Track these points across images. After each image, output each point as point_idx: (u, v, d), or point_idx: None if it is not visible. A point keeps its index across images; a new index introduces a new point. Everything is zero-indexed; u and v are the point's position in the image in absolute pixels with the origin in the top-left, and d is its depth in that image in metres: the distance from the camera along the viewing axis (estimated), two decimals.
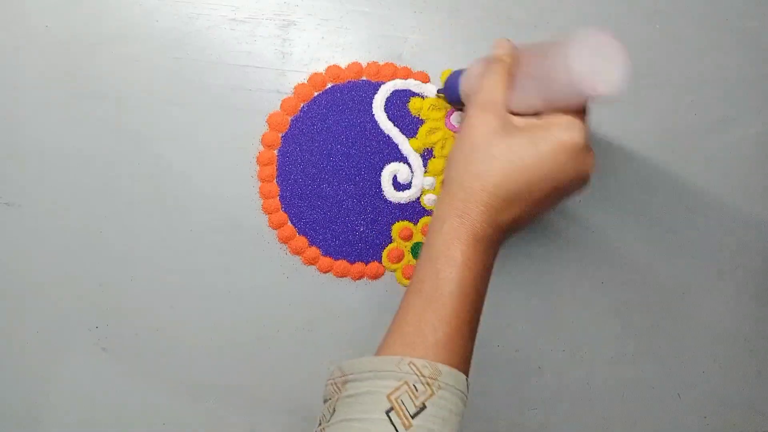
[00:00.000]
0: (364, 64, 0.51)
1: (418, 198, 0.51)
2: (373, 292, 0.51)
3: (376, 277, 0.51)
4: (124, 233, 0.50)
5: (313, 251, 0.50)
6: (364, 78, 0.51)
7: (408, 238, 0.51)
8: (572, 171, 0.36)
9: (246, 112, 0.50)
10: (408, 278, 0.51)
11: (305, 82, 0.51)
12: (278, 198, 0.50)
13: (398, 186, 0.51)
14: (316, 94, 0.51)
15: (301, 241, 0.50)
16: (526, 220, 0.38)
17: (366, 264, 0.51)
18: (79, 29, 0.50)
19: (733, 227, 0.55)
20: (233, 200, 0.50)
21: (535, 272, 0.53)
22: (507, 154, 0.36)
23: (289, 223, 0.50)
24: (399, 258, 0.51)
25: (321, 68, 0.51)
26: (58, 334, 0.49)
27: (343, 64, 0.51)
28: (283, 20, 0.51)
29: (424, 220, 0.51)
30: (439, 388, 0.33)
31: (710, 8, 0.55)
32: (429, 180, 0.51)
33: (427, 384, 0.33)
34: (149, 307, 0.50)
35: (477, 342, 0.52)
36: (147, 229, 0.50)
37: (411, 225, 0.51)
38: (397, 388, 0.33)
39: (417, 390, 0.33)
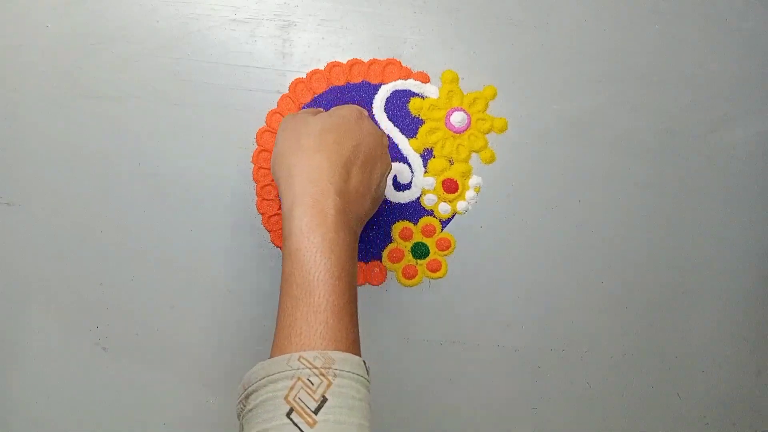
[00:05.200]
0: (365, 60, 0.51)
1: (418, 198, 0.51)
2: (374, 293, 0.51)
3: (378, 283, 0.51)
4: (124, 233, 0.50)
5: None
6: (363, 80, 0.51)
7: (408, 238, 0.51)
8: (364, 130, 0.41)
9: (246, 112, 0.50)
10: (408, 278, 0.51)
11: (304, 77, 0.51)
12: (278, 198, 0.50)
13: (398, 186, 0.51)
14: (316, 95, 0.51)
15: None
16: (364, 187, 0.40)
17: (366, 263, 0.51)
18: (79, 29, 0.50)
19: (733, 227, 0.55)
20: (233, 200, 0.50)
21: (535, 272, 0.53)
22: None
23: None
24: (399, 258, 0.51)
25: (321, 68, 0.51)
26: (58, 334, 0.49)
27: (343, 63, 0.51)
28: (284, 21, 0.51)
29: (424, 220, 0.51)
30: (335, 376, 0.32)
31: (710, 8, 0.55)
32: (429, 180, 0.51)
33: (322, 375, 0.32)
34: (149, 307, 0.50)
35: (477, 342, 0.52)
36: (147, 229, 0.50)
37: (411, 225, 0.51)
38: (292, 387, 0.31)
39: (312, 384, 0.31)
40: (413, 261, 0.52)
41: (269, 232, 0.50)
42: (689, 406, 0.54)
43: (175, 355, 0.50)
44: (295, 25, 0.51)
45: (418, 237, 0.52)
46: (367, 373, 0.35)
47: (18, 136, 0.49)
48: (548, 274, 0.53)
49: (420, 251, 0.51)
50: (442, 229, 0.52)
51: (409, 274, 0.51)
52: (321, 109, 0.45)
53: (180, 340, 0.50)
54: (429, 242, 0.51)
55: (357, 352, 0.36)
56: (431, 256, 0.52)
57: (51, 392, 0.49)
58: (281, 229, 0.50)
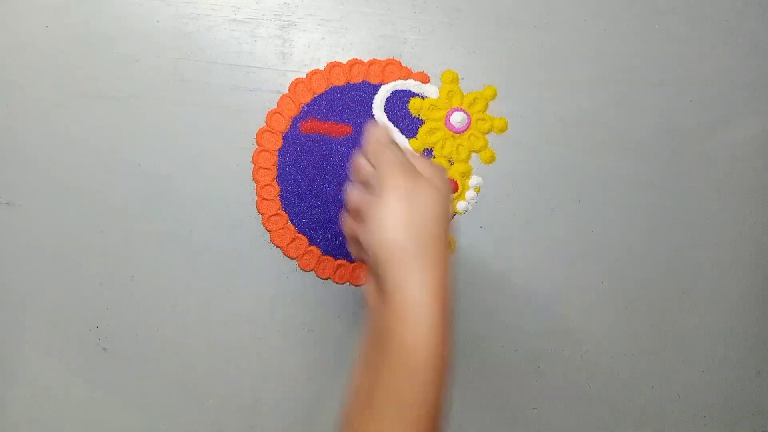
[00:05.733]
0: (365, 60, 0.51)
1: None
2: None
3: None
4: (124, 233, 0.50)
5: (314, 250, 0.50)
6: (363, 80, 0.51)
7: None
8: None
9: (246, 112, 0.50)
10: None
11: (304, 77, 0.51)
12: (278, 198, 0.50)
13: None
14: (316, 95, 0.51)
15: (302, 240, 0.50)
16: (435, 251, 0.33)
17: (366, 264, 0.51)
18: (79, 29, 0.50)
19: (733, 227, 0.55)
20: (234, 200, 0.50)
21: (535, 272, 0.53)
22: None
23: (289, 222, 0.50)
24: None
25: (321, 68, 0.51)
26: (58, 334, 0.49)
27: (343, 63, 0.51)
28: (284, 21, 0.51)
29: None
30: None
31: (710, 8, 0.55)
32: None
33: None
34: (149, 307, 0.50)
35: (477, 342, 0.52)
36: (147, 229, 0.50)
37: None
38: None
39: None
40: None
41: (269, 232, 0.50)
42: (689, 406, 0.54)
43: (175, 355, 0.50)
44: (295, 25, 0.51)
45: None
46: None
47: (18, 136, 0.49)
48: (548, 274, 0.53)
49: None
50: None
51: None
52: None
53: (180, 340, 0.50)
54: None
55: None
56: None
57: (51, 392, 0.49)
58: (281, 228, 0.50)
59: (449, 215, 0.35)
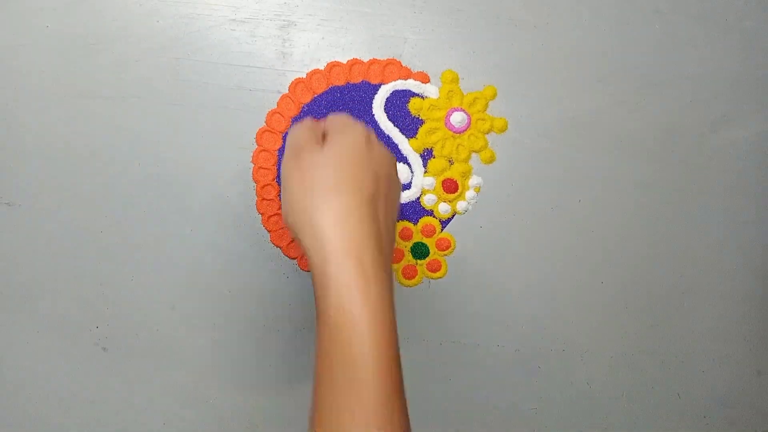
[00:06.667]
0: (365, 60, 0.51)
1: (418, 198, 0.51)
2: None
3: None
4: (124, 233, 0.50)
5: None
6: (363, 80, 0.51)
7: (408, 238, 0.51)
8: (377, 156, 0.36)
9: (246, 112, 0.50)
10: (408, 278, 0.51)
11: (304, 77, 0.51)
12: (278, 198, 0.50)
13: None
14: (316, 95, 0.51)
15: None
16: (391, 220, 0.35)
17: None
18: (79, 29, 0.50)
19: (733, 227, 0.55)
20: (234, 200, 0.50)
21: (535, 272, 0.53)
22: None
23: None
24: (399, 258, 0.51)
25: (321, 68, 0.51)
26: (58, 334, 0.49)
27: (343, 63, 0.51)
28: (284, 21, 0.51)
29: (424, 220, 0.51)
30: None
31: (710, 8, 0.55)
32: (429, 180, 0.51)
33: None
34: (149, 307, 0.50)
35: (477, 342, 0.52)
36: (147, 229, 0.50)
37: (411, 225, 0.51)
38: None
39: None
40: (413, 261, 0.52)
41: (269, 232, 0.50)
42: (689, 406, 0.55)
43: (175, 355, 0.50)
44: (295, 25, 0.51)
45: (417, 237, 0.52)
46: None
47: (18, 136, 0.49)
48: (548, 274, 0.53)
49: (420, 251, 0.51)
50: (441, 229, 0.52)
51: (409, 274, 0.51)
52: (318, 123, 0.39)
53: (180, 340, 0.50)
54: (429, 242, 0.51)
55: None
56: (431, 256, 0.52)
57: (51, 392, 0.49)
58: (281, 228, 0.50)
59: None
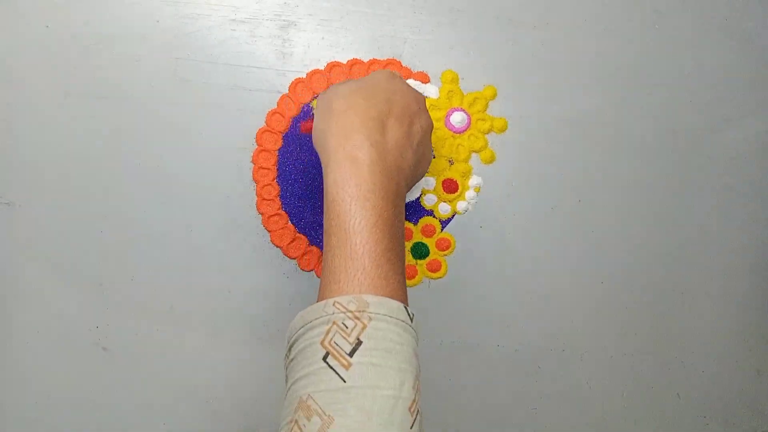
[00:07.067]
0: (365, 60, 0.51)
1: (418, 198, 0.51)
2: None
3: None
4: (124, 233, 0.50)
5: (314, 250, 0.50)
6: None
7: (408, 238, 0.51)
8: (396, 87, 0.41)
9: (246, 112, 0.50)
10: (408, 278, 0.51)
11: (304, 77, 0.51)
12: (278, 198, 0.50)
13: None
14: (316, 95, 0.51)
15: (302, 240, 0.50)
16: (403, 139, 0.39)
17: None
18: (79, 29, 0.50)
19: (733, 227, 0.55)
20: (234, 200, 0.50)
21: (535, 272, 0.53)
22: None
23: (289, 222, 0.50)
24: None
25: (321, 68, 0.51)
26: (58, 334, 0.49)
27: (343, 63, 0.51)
28: (284, 21, 0.51)
29: (424, 220, 0.51)
30: (371, 319, 0.32)
31: (710, 8, 0.55)
32: (429, 180, 0.51)
33: (356, 318, 0.32)
34: (149, 307, 0.50)
35: (477, 342, 0.52)
36: (147, 229, 0.50)
37: (411, 225, 0.51)
38: (327, 332, 0.32)
39: (347, 327, 0.32)
40: (413, 261, 0.52)
41: (269, 232, 0.50)
42: (689, 406, 0.54)
43: (174, 355, 0.50)
44: (295, 25, 0.51)
45: (417, 237, 0.52)
46: (411, 320, 0.34)
47: (18, 136, 0.49)
48: (548, 274, 0.53)
49: (420, 251, 0.51)
50: (442, 229, 0.52)
51: (409, 274, 0.51)
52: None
53: (179, 340, 0.50)
54: (429, 242, 0.51)
55: (400, 299, 0.35)
56: (431, 257, 0.52)
57: (51, 392, 0.49)
58: (281, 228, 0.50)
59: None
